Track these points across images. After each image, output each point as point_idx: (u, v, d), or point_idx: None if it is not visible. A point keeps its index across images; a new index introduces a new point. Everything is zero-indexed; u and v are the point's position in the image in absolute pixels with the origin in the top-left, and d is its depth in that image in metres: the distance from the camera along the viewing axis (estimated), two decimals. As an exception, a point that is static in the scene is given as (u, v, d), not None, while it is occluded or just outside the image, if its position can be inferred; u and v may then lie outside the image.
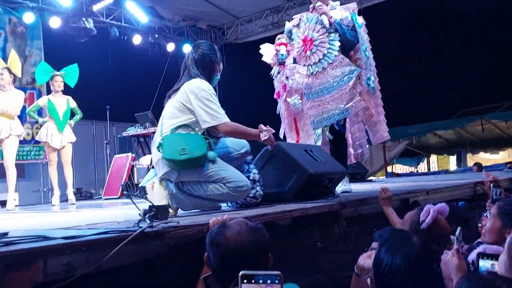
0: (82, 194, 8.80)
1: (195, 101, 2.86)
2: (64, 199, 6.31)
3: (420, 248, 1.62)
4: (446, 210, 2.48)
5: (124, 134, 8.01)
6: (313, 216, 2.92)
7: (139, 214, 2.12)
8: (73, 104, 6.21)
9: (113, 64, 10.39)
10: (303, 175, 3.24)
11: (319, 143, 4.43)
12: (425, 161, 16.85)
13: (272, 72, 4.79)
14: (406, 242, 1.64)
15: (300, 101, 4.48)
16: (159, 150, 2.80)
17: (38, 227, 2.73)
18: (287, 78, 4.52)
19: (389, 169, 14.85)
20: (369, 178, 8.69)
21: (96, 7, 9.71)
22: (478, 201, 4.55)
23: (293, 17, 4.78)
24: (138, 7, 10.29)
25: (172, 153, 2.74)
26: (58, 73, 6.13)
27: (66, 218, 3.52)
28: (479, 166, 10.67)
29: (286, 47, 4.32)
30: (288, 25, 4.72)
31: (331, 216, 3.09)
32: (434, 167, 16.90)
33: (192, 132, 2.85)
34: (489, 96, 13.88)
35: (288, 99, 4.56)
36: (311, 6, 4.59)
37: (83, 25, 9.28)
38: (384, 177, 12.82)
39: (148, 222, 1.96)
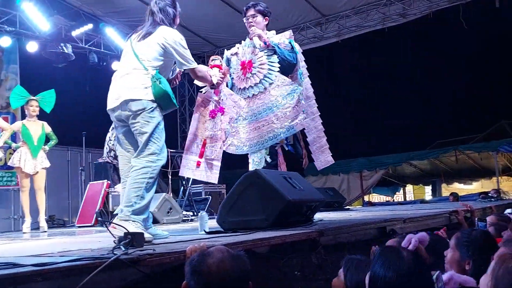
0: (54, 222, 8.57)
1: (175, 46, 3.25)
2: (35, 226, 6.13)
3: (411, 262, 1.68)
4: (426, 239, 2.49)
5: (100, 160, 7.89)
6: (291, 244, 2.90)
7: (114, 241, 2.07)
8: (48, 129, 6.11)
9: (91, 90, 10.32)
10: (282, 202, 3.23)
11: (261, 166, 4.28)
12: (401, 190, 17.06)
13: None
14: (397, 257, 1.71)
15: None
16: (156, 82, 3.09)
17: (7, 254, 2.63)
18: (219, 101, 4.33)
19: (366, 198, 14.95)
20: (347, 207, 8.72)
21: (75, 33, 9.71)
22: (453, 230, 4.60)
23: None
24: (117, 34, 10.32)
25: (170, 91, 3.14)
26: (34, 98, 6.05)
27: (37, 246, 3.41)
28: (455, 196, 10.84)
29: (220, 69, 4.16)
30: (226, 53, 4.69)
31: (309, 244, 3.07)
32: (410, 196, 17.11)
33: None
34: (463, 128, 14.28)
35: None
36: (248, 35, 4.58)
37: (61, 50, 9.24)
38: (361, 206, 12.88)
39: (123, 249, 1.91)
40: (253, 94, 4.31)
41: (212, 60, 4.15)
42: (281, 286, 2.87)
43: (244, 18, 4.57)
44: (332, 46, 11.10)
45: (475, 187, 15.85)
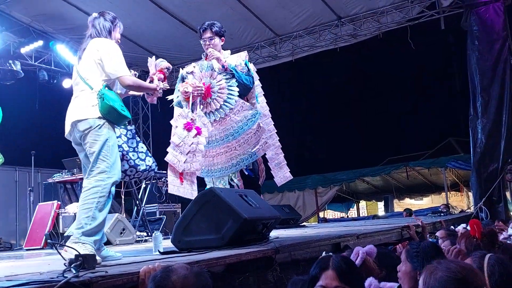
0: (0, 245, 8.14)
1: (103, 55, 3.19)
2: (-22, 251, 5.80)
3: None
4: (374, 251, 2.57)
5: (50, 180, 7.62)
6: (247, 262, 2.90)
7: (64, 264, 2.00)
8: (-6, 148, 5.86)
9: (41, 108, 10.01)
10: (238, 220, 3.23)
11: None
12: (355, 206, 17.42)
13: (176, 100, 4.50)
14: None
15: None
16: (101, 98, 3.05)
17: None
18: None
19: (321, 214, 15.15)
20: (302, 224, 8.81)
21: (24, 50, 9.42)
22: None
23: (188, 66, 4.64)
24: (69, 51, 10.09)
25: (117, 105, 3.09)
26: (-21, 116, 5.79)
27: (-20, 272, 3.23)
28: (408, 212, 11.16)
29: (165, 76, 3.90)
30: (182, 71, 4.60)
31: (265, 262, 3.08)
32: (363, 212, 17.49)
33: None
34: (412, 146, 14.83)
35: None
36: (203, 54, 4.59)
37: (9, 67, 8.93)
38: (317, 222, 13.04)
39: (74, 271, 1.85)
40: (214, 120, 4.26)
41: (161, 61, 3.85)
42: (238, 305, 2.86)
43: (201, 40, 4.57)
44: (285, 65, 11.32)
45: (426, 202, 16.42)
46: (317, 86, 14.95)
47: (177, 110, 4.34)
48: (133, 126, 5.28)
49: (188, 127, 4.11)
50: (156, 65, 3.75)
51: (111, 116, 3.10)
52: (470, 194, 12.09)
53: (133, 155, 5.17)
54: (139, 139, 5.64)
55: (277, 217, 4.02)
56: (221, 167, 4.30)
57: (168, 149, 4.11)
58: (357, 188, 15.83)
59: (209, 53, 4.39)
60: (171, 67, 3.49)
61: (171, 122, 4.20)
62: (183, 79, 4.54)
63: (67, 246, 2.57)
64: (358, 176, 14.02)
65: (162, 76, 3.70)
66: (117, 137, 3.51)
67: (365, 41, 10.28)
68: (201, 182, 4.77)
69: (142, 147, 5.54)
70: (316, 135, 15.64)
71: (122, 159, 4.56)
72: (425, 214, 10.00)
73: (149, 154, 5.64)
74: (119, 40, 3.51)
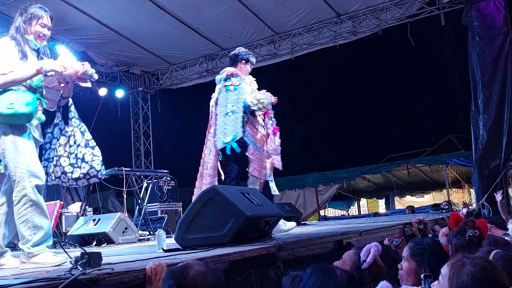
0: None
1: None
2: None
3: (345, 282, 1.71)
4: (380, 248, 2.58)
5: (52, 181, 7.62)
6: (250, 259, 2.91)
7: (70, 262, 2.01)
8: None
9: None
10: (241, 218, 3.24)
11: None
12: (356, 204, 17.43)
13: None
14: (331, 276, 1.73)
15: None
16: None
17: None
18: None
19: (321, 212, 15.16)
20: (303, 222, 8.81)
21: (24, 50, 9.42)
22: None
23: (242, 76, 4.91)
24: (69, 52, 10.08)
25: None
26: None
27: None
28: (410, 209, 11.15)
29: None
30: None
31: (268, 259, 3.09)
32: (364, 210, 17.50)
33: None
34: (413, 143, 14.85)
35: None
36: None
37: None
38: (317, 220, 13.04)
39: (81, 269, 1.86)
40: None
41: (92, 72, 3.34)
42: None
43: (250, 65, 5.11)
44: (284, 63, 11.32)
45: (427, 199, 16.44)
46: (317, 84, 14.96)
47: (250, 123, 4.75)
48: (78, 125, 4.66)
49: (275, 131, 5.00)
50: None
51: (5, 119, 2.86)
52: (472, 190, 12.11)
53: (64, 161, 4.64)
54: (82, 143, 4.82)
55: (279, 214, 4.03)
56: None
57: (273, 156, 4.96)
58: (358, 185, 15.84)
59: (267, 93, 4.90)
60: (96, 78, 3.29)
61: (250, 136, 4.71)
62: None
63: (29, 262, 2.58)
64: (359, 173, 14.03)
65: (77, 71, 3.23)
66: (53, 139, 3.43)
67: (365, 38, 10.26)
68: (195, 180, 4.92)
69: (83, 152, 4.83)
70: (316, 133, 15.66)
71: (55, 165, 4.48)
72: (427, 211, 10.01)
73: (92, 159, 4.85)
74: (41, 34, 3.22)
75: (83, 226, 5.54)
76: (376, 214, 13.25)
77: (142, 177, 7.03)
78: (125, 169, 6.56)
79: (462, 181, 14.66)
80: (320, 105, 15.38)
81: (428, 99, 15.13)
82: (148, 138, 12.92)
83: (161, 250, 3.22)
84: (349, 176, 14.03)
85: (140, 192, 7.06)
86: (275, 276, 3.13)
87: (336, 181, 14.07)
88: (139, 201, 6.84)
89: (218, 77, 4.94)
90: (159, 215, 8.09)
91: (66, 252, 2.14)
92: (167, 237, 3.66)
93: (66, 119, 4.36)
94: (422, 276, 1.95)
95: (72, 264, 1.96)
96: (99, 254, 2.06)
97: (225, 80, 4.82)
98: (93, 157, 4.77)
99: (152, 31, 10.04)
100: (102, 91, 11.42)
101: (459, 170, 14.08)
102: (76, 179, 4.69)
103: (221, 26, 10.18)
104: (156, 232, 3.49)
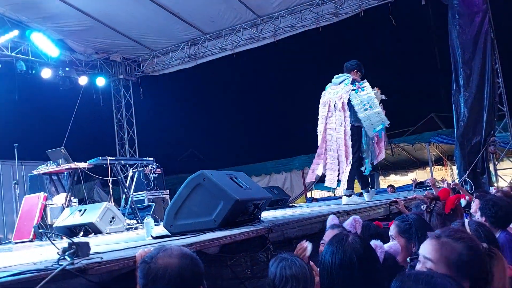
0: (-12, 240, 8.05)
1: None
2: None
3: (358, 245, 1.81)
4: (361, 220, 2.76)
5: (35, 172, 7.51)
6: (241, 242, 2.91)
7: (58, 252, 1.98)
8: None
9: (21, 99, 9.82)
10: (230, 202, 3.23)
11: None
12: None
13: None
14: (344, 241, 1.83)
15: None
16: None
17: None
18: None
19: (308, 194, 15.26)
20: (291, 204, 8.86)
21: (0, 40, 9.19)
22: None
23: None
24: (47, 40, 9.87)
25: None
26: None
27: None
28: (392, 188, 11.30)
29: None
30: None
31: (258, 242, 3.10)
32: (350, 190, 17.64)
33: None
34: (395, 123, 14.95)
35: None
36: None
37: (-15, 59, 8.70)
38: (305, 202, 13.13)
39: (69, 259, 1.83)
40: None
41: None
42: (232, 285, 2.88)
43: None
44: (266, 47, 11.26)
45: (410, 177, 16.62)
46: (301, 65, 14.93)
47: None
48: None
49: None
50: None
51: None
52: (454, 167, 12.29)
53: None
54: None
55: (268, 197, 4.04)
56: None
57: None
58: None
59: None
60: None
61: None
62: None
63: None
64: (344, 155, 14.08)
65: None
66: None
67: (347, 19, 10.23)
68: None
69: None
70: (302, 115, 15.68)
71: None
72: (410, 189, 10.13)
73: None
74: None
75: (69, 217, 5.49)
76: (361, 194, 13.34)
77: (127, 166, 6.97)
78: (110, 158, 6.48)
79: (445, 159, 14.86)
80: (306, 86, 15.39)
81: (409, 78, 15.22)
82: (131, 126, 12.78)
83: (150, 238, 3.21)
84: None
85: (126, 181, 7.00)
86: (265, 258, 3.15)
87: (322, 163, 14.12)
88: (125, 190, 6.80)
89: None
90: (146, 203, 8.06)
91: (53, 243, 2.11)
92: (155, 225, 3.64)
93: None
94: (408, 259, 1.99)
95: (59, 254, 1.93)
96: (87, 243, 2.04)
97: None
98: None
99: (132, 17, 9.87)
100: (83, 80, 11.22)
101: (441, 148, 14.25)
102: None
103: (202, 10, 10.05)
104: (144, 220, 3.47)
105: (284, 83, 15.48)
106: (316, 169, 5.93)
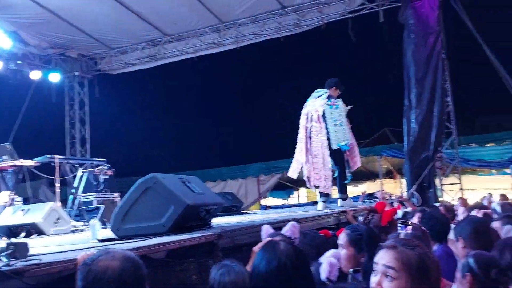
0: None
1: None
2: None
3: (291, 252, 1.79)
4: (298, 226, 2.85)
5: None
6: (189, 248, 2.88)
7: (-6, 253, 1.88)
8: None
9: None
10: (180, 206, 3.19)
11: None
12: (295, 193, 17.76)
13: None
14: (276, 250, 1.81)
15: None
16: None
17: None
18: None
19: (262, 202, 15.33)
20: (244, 211, 8.86)
21: None
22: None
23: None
24: (1, 31, 9.46)
25: None
26: None
27: None
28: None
29: None
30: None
31: (207, 248, 3.07)
32: (303, 199, 17.87)
33: None
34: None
35: None
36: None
37: None
38: (259, 209, 13.17)
39: (5, 260, 1.75)
40: None
41: None
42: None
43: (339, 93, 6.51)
44: (228, 53, 11.27)
45: (361, 189, 17.01)
46: (263, 73, 15.03)
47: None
48: None
49: None
50: None
51: None
52: (403, 180, 12.69)
53: None
54: None
55: (220, 203, 4.01)
56: None
57: None
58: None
59: None
60: None
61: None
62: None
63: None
64: (299, 164, 14.27)
65: None
66: None
67: (309, 31, 10.40)
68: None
69: None
70: (259, 123, 15.76)
71: None
72: (358, 200, 10.34)
73: None
74: None
75: (10, 217, 5.24)
76: (315, 203, 13.53)
77: (76, 165, 6.75)
78: (58, 156, 6.26)
79: (395, 172, 15.32)
80: (264, 95, 15.50)
81: (366, 93, 15.64)
82: (84, 125, 12.42)
83: (96, 240, 3.11)
84: (289, 166, 14.24)
85: (75, 181, 6.79)
86: (213, 264, 3.12)
87: (277, 170, 14.26)
88: (73, 191, 6.58)
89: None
90: (95, 205, 7.81)
91: (-11, 242, 2.00)
92: (103, 228, 3.54)
93: None
94: (350, 270, 2.03)
95: (-5, 255, 1.84)
96: (25, 244, 1.95)
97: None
98: None
99: (91, 13, 9.62)
100: (35, 74, 10.81)
101: (392, 161, 14.70)
102: None
103: (164, 11, 9.94)
104: (90, 222, 3.36)
105: (245, 90, 15.53)
106: (294, 171, 6.88)
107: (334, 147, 6.22)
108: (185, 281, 2.89)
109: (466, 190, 9.68)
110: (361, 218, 3.37)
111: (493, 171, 13.00)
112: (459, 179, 9.02)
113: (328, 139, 6.25)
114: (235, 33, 10.67)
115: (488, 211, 4.70)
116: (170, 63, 11.68)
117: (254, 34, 10.63)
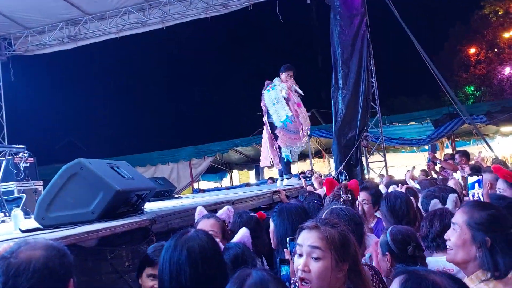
0: None
1: None
2: None
3: (204, 239, 1.81)
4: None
5: None
6: (122, 234, 2.77)
7: None
8: None
9: None
10: (110, 192, 3.05)
11: None
12: (228, 176, 17.82)
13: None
14: (189, 236, 1.83)
15: None
16: None
17: None
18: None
19: (195, 185, 15.22)
20: (177, 196, 8.74)
21: None
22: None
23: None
24: None
25: None
26: None
27: None
28: (272, 179, 11.73)
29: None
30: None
31: (141, 234, 2.98)
32: (236, 181, 17.99)
33: None
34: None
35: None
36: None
37: None
38: (191, 193, 13.07)
39: None
40: None
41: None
42: (111, 279, 2.73)
43: (287, 75, 6.99)
44: (154, 33, 10.94)
45: (292, 168, 17.41)
46: (191, 54, 14.77)
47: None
48: None
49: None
50: None
51: None
52: (331, 160, 13.13)
53: None
54: None
55: (152, 188, 3.91)
56: None
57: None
58: (230, 158, 16.17)
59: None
60: None
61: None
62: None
63: None
64: (231, 146, 14.31)
65: None
66: None
67: (236, 12, 10.32)
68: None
69: None
70: (189, 105, 15.55)
71: None
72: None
73: None
74: None
75: None
76: (247, 185, 13.69)
77: (-7, 153, 6.27)
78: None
79: (323, 152, 15.83)
80: (194, 77, 15.27)
81: (294, 75, 15.91)
82: (0, 110, 11.55)
83: (18, 231, 2.91)
84: (222, 149, 14.25)
85: (-8, 170, 6.31)
86: (145, 250, 3.04)
87: (209, 154, 14.20)
88: (-9, 180, 6.13)
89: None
90: (16, 195, 7.34)
91: None
92: (26, 218, 3.32)
93: None
94: (287, 239, 2.04)
95: None
96: None
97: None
98: None
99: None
100: None
101: (320, 141, 15.16)
102: None
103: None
104: (12, 213, 3.13)
105: (172, 71, 15.23)
106: (264, 160, 7.03)
107: (279, 125, 6.48)
108: (117, 268, 2.79)
109: (390, 167, 10.20)
110: (341, 200, 3.28)
111: (415, 148, 13.83)
112: (384, 156, 9.46)
113: (272, 121, 6.53)
114: (160, 12, 10.35)
115: (411, 185, 4.94)
116: (92, 44, 11.13)
117: (180, 14, 10.37)
